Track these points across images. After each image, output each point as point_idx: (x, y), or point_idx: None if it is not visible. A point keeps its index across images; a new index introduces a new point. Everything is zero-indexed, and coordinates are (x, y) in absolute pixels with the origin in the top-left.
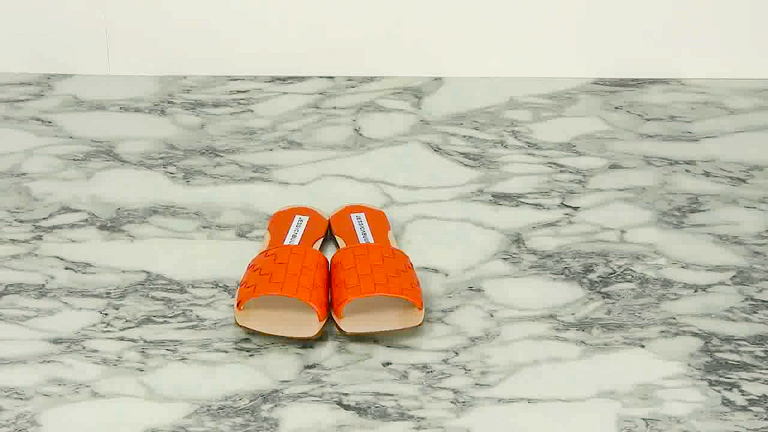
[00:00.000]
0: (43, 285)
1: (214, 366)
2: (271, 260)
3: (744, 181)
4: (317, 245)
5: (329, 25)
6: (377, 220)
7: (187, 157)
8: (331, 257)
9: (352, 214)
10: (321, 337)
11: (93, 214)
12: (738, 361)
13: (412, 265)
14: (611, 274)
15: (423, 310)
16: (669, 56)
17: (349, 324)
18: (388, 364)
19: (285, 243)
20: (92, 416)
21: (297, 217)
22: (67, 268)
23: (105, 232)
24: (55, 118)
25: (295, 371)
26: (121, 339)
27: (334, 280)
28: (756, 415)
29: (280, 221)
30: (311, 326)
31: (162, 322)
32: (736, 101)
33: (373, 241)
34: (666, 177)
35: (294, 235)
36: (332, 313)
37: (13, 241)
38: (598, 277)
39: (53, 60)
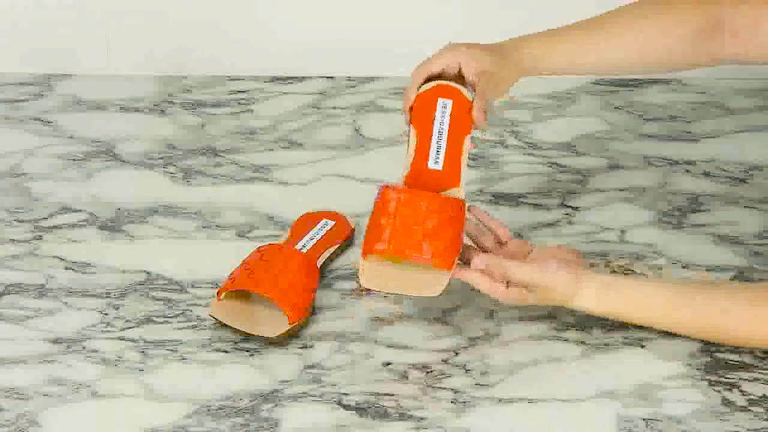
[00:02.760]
0: (43, 285)
1: (214, 366)
2: (258, 257)
3: (744, 181)
4: (327, 252)
5: (329, 25)
6: (462, 116)
7: (187, 157)
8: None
9: (439, 100)
10: (321, 337)
11: (93, 214)
12: (738, 361)
13: (465, 210)
14: (611, 274)
15: (450, 273)
16: None
17: (369, 278)
18: (388, 364)
19: (299, 244)
20: (92, 416)
21: (323, 220)
22: (67, 268)
23: (105, 232)
24: (55, 118)
25: (295, 371)
26: (121, 339)
27: (373, 215)
28: (756, 415)
29: (305, 223)
30: (281, 327)
31: (162, 322)
32: (736, 101)
33: (445, 146)
34: (666, 177)
35: (312, 237)
36: (360, 256)
37: (13, 241)
38: None
39: (53, 60)
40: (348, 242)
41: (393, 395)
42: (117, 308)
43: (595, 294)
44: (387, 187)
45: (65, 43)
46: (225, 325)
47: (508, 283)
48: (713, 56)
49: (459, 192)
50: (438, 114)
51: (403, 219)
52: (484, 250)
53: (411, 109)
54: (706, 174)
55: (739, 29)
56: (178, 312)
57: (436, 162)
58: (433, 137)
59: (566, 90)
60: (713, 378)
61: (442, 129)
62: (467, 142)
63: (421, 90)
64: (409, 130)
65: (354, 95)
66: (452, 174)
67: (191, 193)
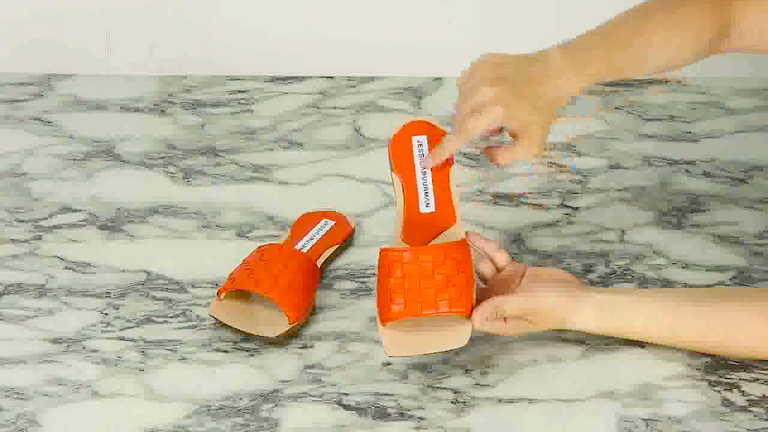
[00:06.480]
0: (43, 285)
1: (214, 366)
2: (258, 257)
3: (744, 181)
4: (327, 252)
5: (329, 25)
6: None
7: (187, 157)
8: (380, 252)
9: (413, 138)
10: (320, 337)
11: (93, 214)
12: (738, 362)
13: (469, 248)
14: (611, 274)
15: (471, 319)
16: None
17: (391, 345)
18: (388, 364)
19: (299, 244)
20: (92, 416)
21: (323, 220)
22: (67, 268)
23: (105, 232)
24: (55, 118)
25: (295, 371)
26: (121, 339)
27: (380, 282)
28: (756, 416)
29: (305, 223)
30: (281, 327)
31: (162, 322)
32: (736, 101)
33: (431, 186)
34: (666, 177)
35: (312, 237)
36: (377, 324)
37: (13, 241)
38: (598, 277)
39: (53, 60)
40: (348, 242)
41: (393, 395)
42: (117, 308)
43: (591, 315)
44: (386, 249)
45: (65, 43)
46: (225, 325)
47: (505, 318)
48: (717, 53)
49: (457, 228)
50: (416, 153)
51: (412, 279)
52: (483, 277)
53: (390, 158)
54: (706, 174)
55: (746, 31)
56: (178, 312)
57: (427, 205)
58: (417, 179)
59: None
60: (713, 378)
61: (426, 168)
62: (453, 175)
63: (393, 133)
64: (392, 178)
65: (354, 95)
66: (447, 213)
67: (191, 193)
